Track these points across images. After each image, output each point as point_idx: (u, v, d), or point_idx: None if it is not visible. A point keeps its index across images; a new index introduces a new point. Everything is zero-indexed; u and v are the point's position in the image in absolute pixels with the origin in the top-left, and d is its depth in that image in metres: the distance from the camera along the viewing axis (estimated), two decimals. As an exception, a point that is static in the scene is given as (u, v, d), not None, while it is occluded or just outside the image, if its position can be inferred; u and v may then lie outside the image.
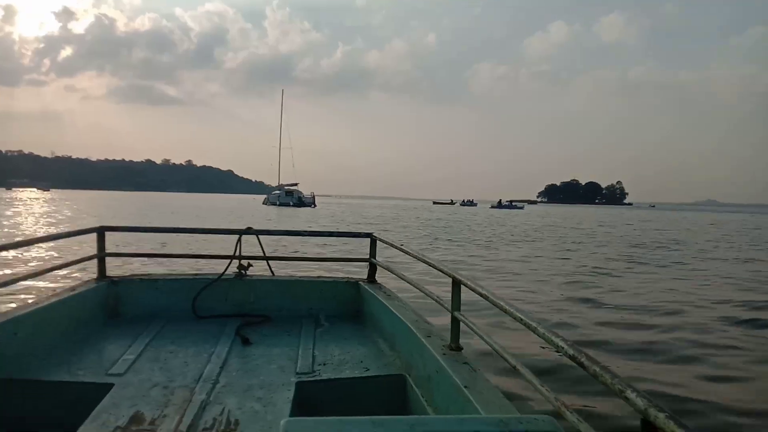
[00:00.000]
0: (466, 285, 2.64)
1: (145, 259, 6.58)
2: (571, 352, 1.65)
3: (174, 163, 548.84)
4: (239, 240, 4.43)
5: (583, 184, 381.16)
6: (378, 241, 4.59)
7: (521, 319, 1.99)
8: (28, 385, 2.86)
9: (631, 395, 1.34)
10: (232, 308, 4.30)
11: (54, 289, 4.25)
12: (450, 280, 2.83)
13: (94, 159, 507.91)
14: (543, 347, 5.88)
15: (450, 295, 2.84)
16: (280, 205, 78.41)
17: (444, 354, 2.74)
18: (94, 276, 4.31)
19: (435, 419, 1.87)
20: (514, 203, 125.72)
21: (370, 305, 4.21)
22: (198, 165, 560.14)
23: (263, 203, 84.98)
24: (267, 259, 4.57)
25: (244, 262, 4.44)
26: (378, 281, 4.55)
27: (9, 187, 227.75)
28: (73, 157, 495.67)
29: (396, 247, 4.07)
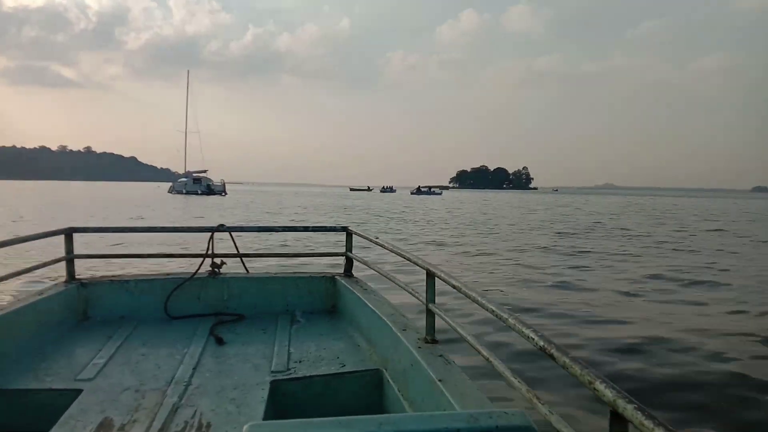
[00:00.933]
0: (439, 277, 2.63)
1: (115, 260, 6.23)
2: (541, 343, 1.66)
3: (71, 150, 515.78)
4: (211, 237, 4.35)
5: (492, 170, 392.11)
6: (354, 235, 4.49)
7: (492, 311, 2.00)
8: None
9: (600, 386, 1.36)
10: (206, 308, 4.17)
11: (20, 292, 4.22)
12: (424, 271, 2.81)
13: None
14: (519, 339, 5.16)
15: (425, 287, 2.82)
16: (186, 193, 72.92)
17: (419, 347, 2.72)
18: (63, 278, 4.15)
19: (404, 417, 1.86)
20: (432, 189, 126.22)
21: (346, 300, 4.15)
22: (98, 152, 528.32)
23: (168, 191, 78.53)
24: (241, 256, 4.46)
25: (218, 260, 4.30)
26: (355, 275, 4.45)
27: None
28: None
29: (371, 240, 4.01)
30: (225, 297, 4.24)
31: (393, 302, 3.65)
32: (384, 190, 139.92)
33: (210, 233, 4.36)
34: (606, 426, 1.32)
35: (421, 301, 2.85)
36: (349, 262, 4.46)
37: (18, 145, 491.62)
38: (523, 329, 1.76)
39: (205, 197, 66.80)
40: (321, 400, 2.92)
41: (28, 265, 3.91)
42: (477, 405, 2.05)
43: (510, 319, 1.86)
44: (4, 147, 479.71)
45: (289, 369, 3.07)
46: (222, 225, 4.44)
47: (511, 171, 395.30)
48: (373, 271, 3.96)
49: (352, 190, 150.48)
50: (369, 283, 4.19)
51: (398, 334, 2.95)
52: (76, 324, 3.93)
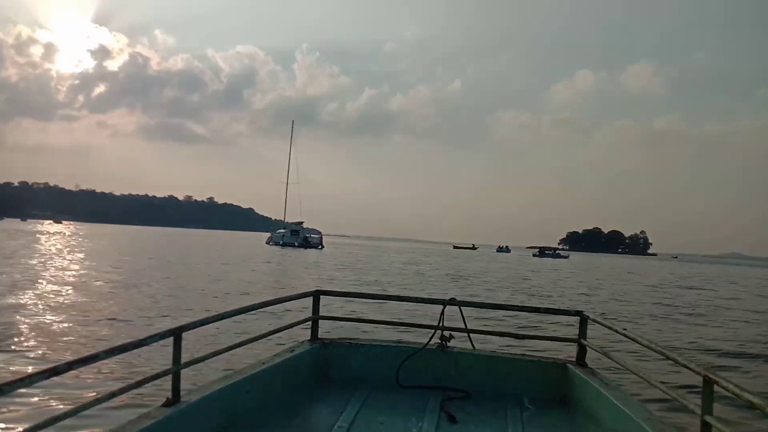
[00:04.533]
0: (723, 386, 2.32)
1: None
2: None
3: (196, 200, 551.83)
4: (443, 311, 4.34)
5: (606, 232, 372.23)
6: (589, 321, 4.19)
7: None
8: None
9: None
10: (433, 380, 4.17)
11: (272, 348, 4.48)
12: (700, 378, 2.49)
13: (117, 193, 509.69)
14: None
15: (693, 393, 2.65)
16: (283, 245, 73.18)
17: None
18: (308, 338, 4.44)
19: None
20: (557, 251, 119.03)
21: (582, 392, 3.84)
22: (220, 202, 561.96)
23: (266, 243, 79.35)
24: (468, 331, 4.44)
25: (446, 333, 4.32)
26: (590, 365, 4.13)
27: (25, 219, 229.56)
28: (97, 190, 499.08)
29: (615, 330, 3.69)
30: (452, 372, 4.20)
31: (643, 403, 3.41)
32: (500, 249, 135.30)
33: (442, 306, 4.35)
34: None
35: (694, 411, 2.53)
36: (582, 350, 4.19)
37: (150, 194, 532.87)
38: None
39: (301, 250, 66.48)
40: None
41: (280, 324, 4.24)
42: None
43: None
44: (138, 195, 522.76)
45: None
46: (453, 299, 4.42)
47: (626, 234, 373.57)
48: (610, 364, 3.82)
49: (455, 247, 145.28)
50: (608, 377, 3.86)
51: None
52: (319, 382, 4.16)
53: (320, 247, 74.53)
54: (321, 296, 4.46)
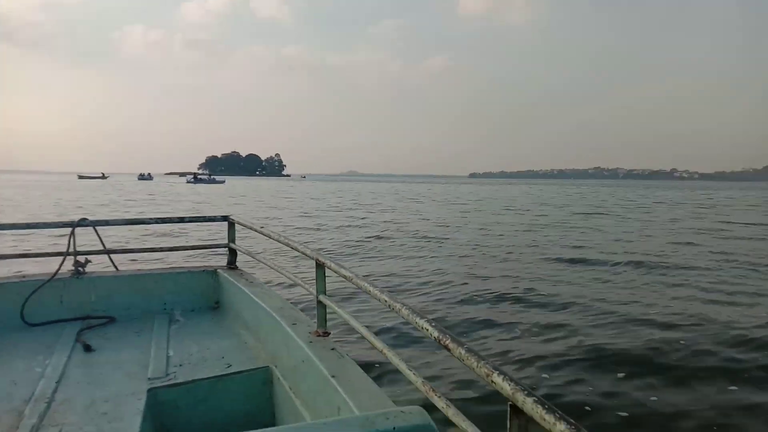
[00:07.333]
0: (329, 267, 2.58)
1: None
2: (435, 334, 1.61)
3: None
4: (72, 233, 3.91)
5: (244, 156, 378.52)
6: (236, 225, 4.30)
7: (385, 301, 1.96)
8: None
9: (498, 379, 1.30)
10: (71, 312, 3.77)
11: None
12: (314, 262, 2.74)
13: None
14: (415, 331, 5.21)
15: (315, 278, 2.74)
16: None
17: (311, 342, 2.64)
18: None
19: (289, 429, 1.76)
20: (212, 177, 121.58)
21: (230, 294, 3.94)
22: None
23: None
24: (108, 252, 4.15)
25: (81, 259, 3.93)
26: (240, 268, 4.29)
27: None
28: None
29: (255, 230, 3.83)
30: (92, 299, 3.86)
31: (284, 295, 3.55)
32: (141, 177, 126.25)
33: (70, 228, 3.91)
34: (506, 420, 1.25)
35: (311, 292, 2.79)
36: (233, 254, 4.30)
37: None
38: (417, 320, 1.70)
39: None
40: (206, 405, 2.74)
41: None
42: (371, 401, 2.03)
43: (403, 310, 1.80)
44: None
45: (168, 374, 2.86)
46: (84, 219, 4.01)
47: (263, 158, 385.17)
48: (260, 264, 3.92)
49: (81, 177, 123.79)
50: (256, 276, 4.03)
51: (288, 328, 2.84)
52: None
53: None
54: None
